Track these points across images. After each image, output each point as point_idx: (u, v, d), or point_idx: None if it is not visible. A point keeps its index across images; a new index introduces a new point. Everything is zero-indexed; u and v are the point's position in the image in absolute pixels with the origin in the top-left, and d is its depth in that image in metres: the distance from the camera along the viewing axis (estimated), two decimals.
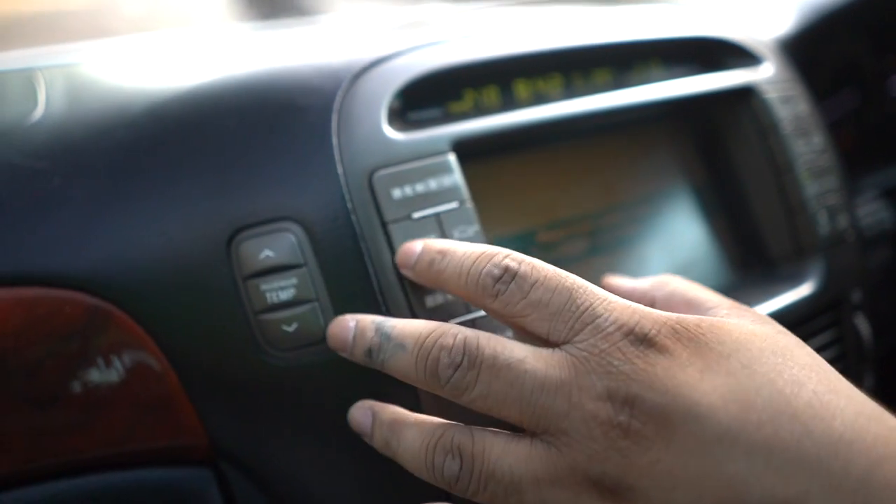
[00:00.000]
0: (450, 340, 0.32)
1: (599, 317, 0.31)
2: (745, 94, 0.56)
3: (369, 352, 0.35)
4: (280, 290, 0.40)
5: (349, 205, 0.40)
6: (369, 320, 0.36)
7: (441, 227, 0.41)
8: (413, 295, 0.39)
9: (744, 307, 0.36)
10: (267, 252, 0.40)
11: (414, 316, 0.39)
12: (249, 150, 0.42)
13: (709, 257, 0.57)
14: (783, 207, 0.56)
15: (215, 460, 0.44)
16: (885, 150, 1.00)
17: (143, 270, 0.42)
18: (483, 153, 0.50)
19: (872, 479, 0.27)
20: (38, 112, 0.49)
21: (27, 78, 0.54)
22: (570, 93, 0.53)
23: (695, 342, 0.30)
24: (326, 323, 0.39)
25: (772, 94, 0.56)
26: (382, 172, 0.41)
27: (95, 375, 0.42)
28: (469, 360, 0.31)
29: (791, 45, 0.77)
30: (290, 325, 0.40)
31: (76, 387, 0.41)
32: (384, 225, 0.40)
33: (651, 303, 0.40)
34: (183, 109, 0.45)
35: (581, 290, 0.32)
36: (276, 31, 0.68)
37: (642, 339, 0.30)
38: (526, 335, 0.33)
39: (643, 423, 0.29)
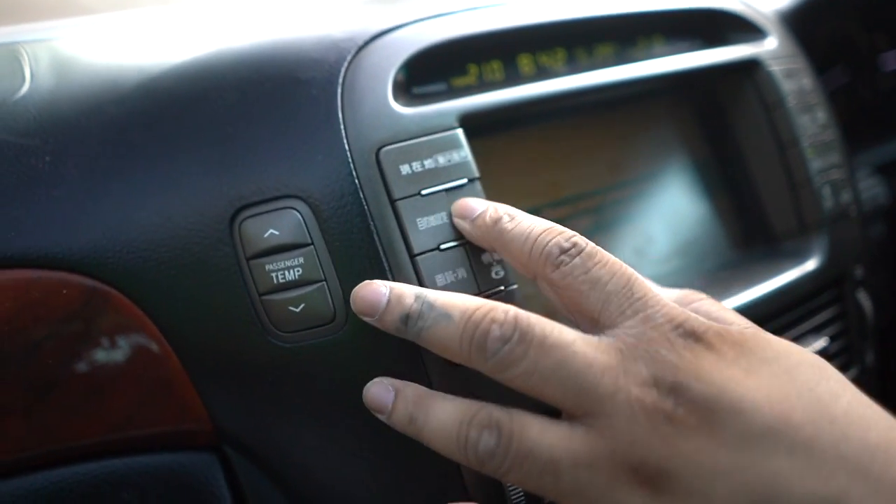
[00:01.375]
0: (501, 315, 0.32)
1: (652, 308, 0.31)
2: (749, 68, 0.56)
3: (406, 318, 0.34)
4: (286, 269, 0.38)
5: (356, 182, 0.38)
6: (406, 288, 0.35)
7: (450, 203, 0.40)
8: (425, 273, 0.38)
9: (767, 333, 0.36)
10: (272, 231, 0.39)
11: None
12: (250, 125, 0.40)
13: (712, 234, 0.56)
14: (787, 183, 0.55)
15: (220, 445, 0.43)
16: (876, 126, 1.01)
17: (142, 251, 0.40)
18: (488, 129, 0.49)
19: None
20: (25, 87, 0.47)
21: (11, 53, 0.52)
22: (573, 67, 0.52)
23: (739, 346, 0.31)
24: (335, 303, 0.38)
25: (776, 68, 0.56)
26: (390, 148, 0.39)
27: (94, 360, 0.40)
28: (520, 334, 0.31)
29: (789, 20, 0.76)
30: (297, 305, 0.38)
31: (75, 372, 0.40)
32: (392, 202, 0.39)
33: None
34: (178, 83, 0.43)
35: (639, 281, 0.33)
36: (274, 3, 0.66)
37: (691, 334, 0.31)
38: (576, 313, 0.33)
39: (688, 412, 0.29)
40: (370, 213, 0.38)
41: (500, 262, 0.40)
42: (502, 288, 0.40)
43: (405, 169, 0.39)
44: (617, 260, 0.33)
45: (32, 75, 0.48)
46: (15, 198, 0.40)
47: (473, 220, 0.37)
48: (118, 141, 0.42)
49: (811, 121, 0.56)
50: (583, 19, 0.52)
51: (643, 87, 0.55)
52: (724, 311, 0.38)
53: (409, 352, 0.38)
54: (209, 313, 0.40)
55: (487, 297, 0.40)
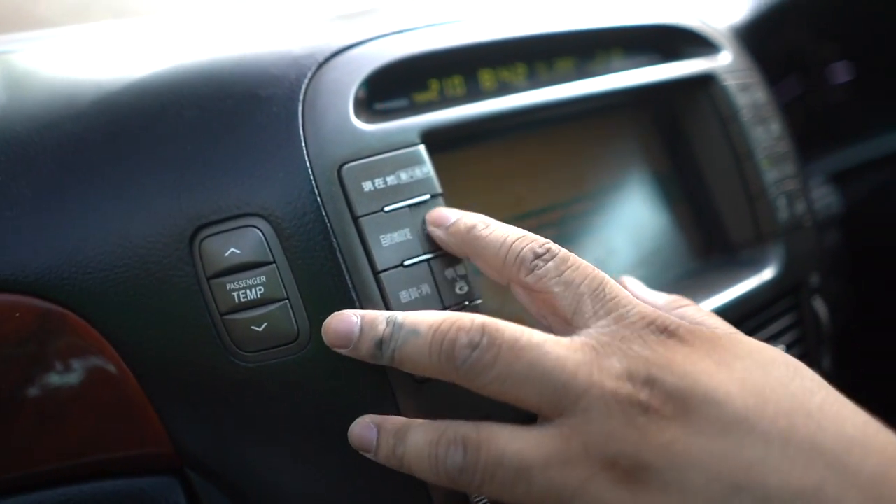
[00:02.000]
0: (467, 323, 0.32)
1: (624, 307, 0.32)
2: (704, 82, 0.57)
3: (380, 343, 0.34)
4: (248, 288, 0.38)
5: (318, 199, 0.38)
6: (377, 313, 0.35)
7: (413, 220, 0.40)
8: (389, 290, 0.38)
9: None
10: (233, 249, 0.38)
11: None
12: (210, 143, 0.40)
13: (673, 244, 0.57)
14: (744, 194, 0.56)
15: (181, 468, 0.42)
16: (828, 135, 1.04)
17: (99, 271, 0.39)
18: (450, 144, 0.49)
19: (887, 477, 0.27)
20: None
21: None
22: (533, 82, 0.53)
23: (711, 342, 0.32)
24: (298, 322, 0.38)
25: (731, 82, 0.57)
26: (352, 165, 0.39)
27: (50, 384, 0.39)
28: (489, 339, 0.31)
29: (743, 34, 0.78)
30: (259, 325, 0.38)
31: (30, 396, 0.39)
32: (355, 219, 0.38)
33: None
34: (137, 99, 0.43)
35: (611, 284, 0.34)
36: (233, 20, 0.65)
37: (663, 330, 0.31)
38: (549, 316, 0.34)
39: (662, 402, 0.29)
40: (333, 231, 0.38)
41: (463, 277, 0.40)
42: (466, 303, 0.40)
43: (367, 185, 0.39)
44: (589, 264, 0.34)
45: None
46: None
47: (447, 228, 0.38)
48: (74, 158, 0.41)
49: (765, 133, 0.57)
50: (542, 35, 0.52)
51: (603, 101, 0.55)
52: (710, 316, 0.39)
53: (373, 369, 0.38)
54: (169, 334, 0.39)
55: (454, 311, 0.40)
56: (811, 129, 1.06)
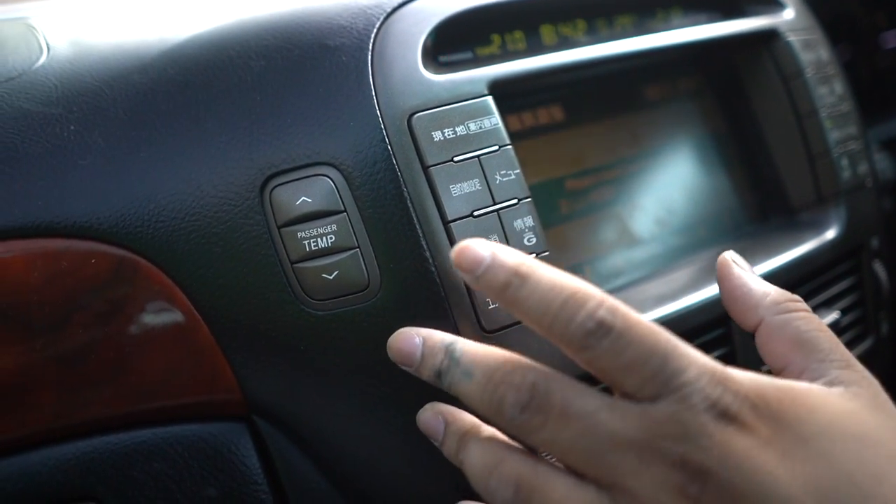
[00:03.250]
0: (518, 379, 0.30)
1: (689, 386, 0.29)
2: (767, 39, 0.56)
3: (438, 374, 0.33)
4: (319, 237, 0.38)
5: (389, 148, 0.38)
6: (437, 339, 0.34)
7: (483, 170, 0.40)
8: (459, 241, 0.38)
9: (854, 363, 0.33)
10: (304, 198, 0.38)
11: None
12: (279, 92, 0.40)
13: (731, 205, 0.57)
14: (805, 154, 0.55)
15: (249, 415, 0.42)
16: (877, 102, 1.01)
17: (171, 220, 0.40)
18: (514, 102, 0.48)
19: None
20: (43, 58, 0.46)
21: (24, 26, 0.51)
22: (593, 38, 0.52)
23: (776, 421, 0.29)
24: (369, 270, 0.38)
25: (794, 39, 0.56)
26: (422, 114, 0.39)
27: (123, 330, 0.40)
28: (538, 403, 0.29)
29: None
30: (330, 273, 0.38)
31: (104, 342, 0.40)
32: (425, 169, 0.38)
33: (757, 323, 0.35)
34: (203, 51, 0.43)
35: (675, 354, 0.29)
36: None
37: (724, 415, 0.29)
38: (608, 384, 0.31)
39: (713, 499, 0.27)
40: (403, 180, 0.38)
41: (531, 228, 0.40)
42: (535, 255, 0.40)
43: (437, 135, 0.39)
44: (650, 329, 0.29)
45: (49, 46, 0.47)
46: (41, 167, 0.40)
47: (479, 278, 0.32)
48: (144, 109, 0.42)
49: (829, 92, 0.56)
50: None
51: (662, 57, 0.55)
52: (813, 331, 0.34)
53: (442, 319, 0.38)
54: (240, 282, 0.40)
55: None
56: (860, 95, 1.04)
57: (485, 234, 0.39)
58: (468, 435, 0.34)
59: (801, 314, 0.35)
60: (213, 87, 0.41)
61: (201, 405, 0.42)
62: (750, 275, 0.37)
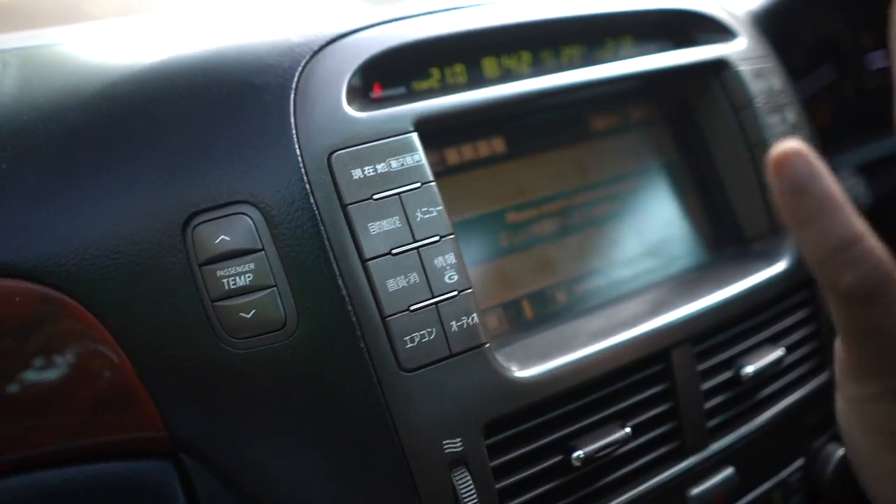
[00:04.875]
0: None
1: None
2: (717, 68, 0.55)
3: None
4: (237, 275, 0.38)
5: (307, 186, 0.38)
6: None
7: (404, 208, 0.40)
8: (376, 278, 0.38)
9: None
10: (223, 237, 0.39)
11: (377, 301, 0.38)
12: (204, 132, 0.40)
13: (682, 235, 0.56)
14: (757, 184, 0.55)
15: (176, 452, 0.42)
16: (860, 125, 1.00)
17: (96, 257, 0.40)
18: (450, 133, 0.48)
19: None
20: None
21: None
22: (539, 70, 0.52)
23: None
24: (286, 309, 0.38)
25: (745, 68, 0.55)
26: (342, 152, 0.39)
27: (48, 367, 0.40)
28: None
29: (766, 20, 0.76)
30: (248, 311, 0.38)
31: (28, 380, 0.40)
32: (344, 207, 0.38)
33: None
34: (136, 89, 0.43)
35: None
36: (235, 8, 0.66)
37: None
38: None
39: None
40: (321, 218, 0.38)
41: (453, 266, 0.40)
42: (456, 292, 0.40)
43: (357, 173, 0.39)
44: None
45: None
46: None
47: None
48: (75, 147, 0.42)
49: (781, 121, 0.55)
50: (548, 21, 0.51)
51: (610, 88, 0.54)
52: None
53: (359, 358, 0.38)
54: (163, 320, 0.40)
55: (442, 302, 0.39)
56: (844, 118, 1.03)
57: (404, 272, 0.39)
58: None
59: None
60: (141, 125, 0.42)
61: (128, 443, 0.42)
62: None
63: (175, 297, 0.39)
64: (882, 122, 1.02)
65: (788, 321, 0.55)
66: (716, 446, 0.49)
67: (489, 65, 0.50)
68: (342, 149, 0.39)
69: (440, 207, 0.40)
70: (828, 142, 0.96)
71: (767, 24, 0.72)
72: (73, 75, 0.48)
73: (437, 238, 0.40)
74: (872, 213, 0.80)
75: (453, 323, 0.39)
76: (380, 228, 0.39)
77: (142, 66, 0.45)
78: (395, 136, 0.41)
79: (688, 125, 0.57)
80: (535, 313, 0.48)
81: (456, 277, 0.40)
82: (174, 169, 0.40)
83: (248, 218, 0.39)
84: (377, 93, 0.45)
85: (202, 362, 0.39)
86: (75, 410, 0.41)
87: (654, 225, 0.55)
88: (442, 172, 0.47)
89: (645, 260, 0.54)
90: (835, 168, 0.86)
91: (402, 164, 0.40)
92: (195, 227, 0.39)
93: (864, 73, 1.06)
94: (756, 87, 0.55)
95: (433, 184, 0.41)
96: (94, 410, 0.41)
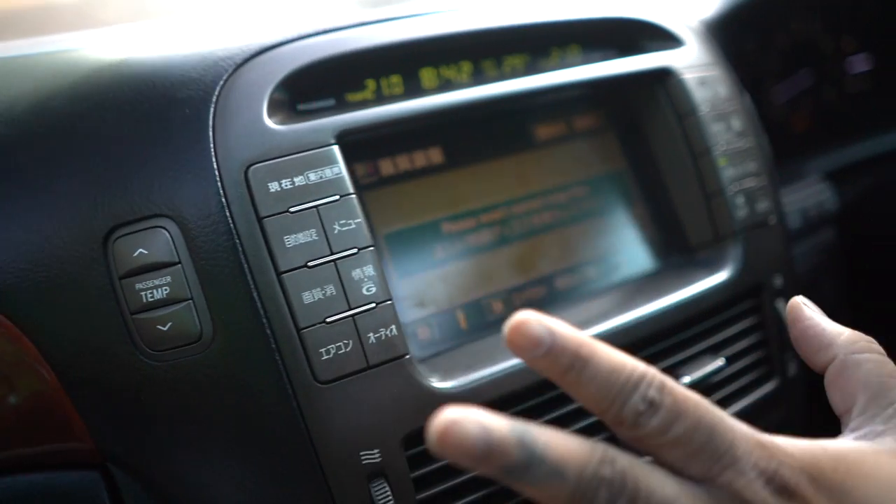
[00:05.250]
0: (608, 471, 0.28)
1: (740, 460, 0.29)
2: (661, 77, 0.55)
3: (509, 471, 0.27)
4: (155, 288, 0.39)
5: (223, 200, 0.39)
6: (506, 430, 0.27)
7: (321, 220, 0.40)
8: (291, 291, 0.38)
9: None
10: (141, 250, 0.39)
11: (292, 313, 0.38)
12: (128, 145, 0.41)
13: (628, 244, 0.56)
14: (701, 193, 0.55)
15: (104, 463, 0.43)
16: (839, 129, 1.00)
17: (19, 270, 0.40)
18: (386, 144, 0.49)
19: None
20: None
21: None
22: (480, 80, 0.52)
23: (832, 491, 0.30)
24: (202, 322, 0.38)
25: (689, 77, 0.55)
26: (259, 166, 0.39)
27: None
28: (629, 495, 0.28)
29: (723, 28, 0.76)
30: (164, 324, 0.39)
31: None
32: (260, 220, 0.39)
33: (829, 361, 0.36)
34: (66, 104, 0.44)
35: (722, 429, 0.29)
36: (169, 21, 0.66)
37: (782, 490, 0.29)
38: (661, 464, 0.31)
39: None
40: (237, 232, 0.38)
41: (371, 277, 0.40)
42: (374, 304, 0.40)
43: (274, 186, 0.39)
44: (697, 405, 0.29)
45: None
46: None
47: (542, 357, 0.29)
48: (4, 163, 0.43)
49: (725, 129, 0.55)
50: (490, 30, 0.52)
51: (553, 97, 0.54)
52: (889, 376, 0.34)
53: (274, 371, 0.38)
54: (84, 332, 0.40)
55: (359, 314, 0.40)
56: (821, 122, 1.02)
57: (320, 285, 0.39)
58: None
59: (875, 357, 0.35)
60: (68, 139, 0.42)
61: (55, 454, 0.42)
62: (822, 316, 0.37)
63: (97, 309, 0.40)
64: (863, 127, 1.01)
65: (733, 330, 0.54)
66: None
67: (427, 76, 0.51)
68: (260, 162, 0.39)
69: (359, 220, 0.41)
70: (807, 147, 0.96)
71: (726, 32, 0.72)
72: (15, 88, 0.49)
73: (354, 250, 0.40)
74: (841, 219, 0.80)
75: (371, 335, 0.40)
76: (296, 241, 0.39)
77: (76, 78, 0.46)
78: (314, 148, 0.41)
79: (635, 133, 0.57)
80: (470, 324, 0.48)
81: (374, 289, 0.40)
82: (98, 183, 0.40)
83: (165, 231, 0.39)
84: (306, 105, 0.45)
85: (124, 374, 0.40)
86: (1, 420, 0.41)
87: (599, 233, 0.55)
88: (375, 184, 0.48)
89: (588, 269, 0.54)
90: (804, 174, 0.85)
91: (321, 177, 0.40)
92: (116, 240, 0.39)
93: (845, 78, 1.06)
94: (700, 95, 0.55)
95: (353, 196, 0.41)
96: (20, 422, 0.41)
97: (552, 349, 0.29)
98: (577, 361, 0.29)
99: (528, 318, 0.29)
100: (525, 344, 0.29)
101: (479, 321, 0.49)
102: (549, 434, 0.29)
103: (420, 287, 0.47)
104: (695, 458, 0.29)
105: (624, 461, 0.29)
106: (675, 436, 0.29)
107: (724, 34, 0.67)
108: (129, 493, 0.42)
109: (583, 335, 0.30)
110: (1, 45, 0.66)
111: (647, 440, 0.30)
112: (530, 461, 0.27)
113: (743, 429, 0.30)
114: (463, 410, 0.27)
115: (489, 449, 0.27)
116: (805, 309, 0.37)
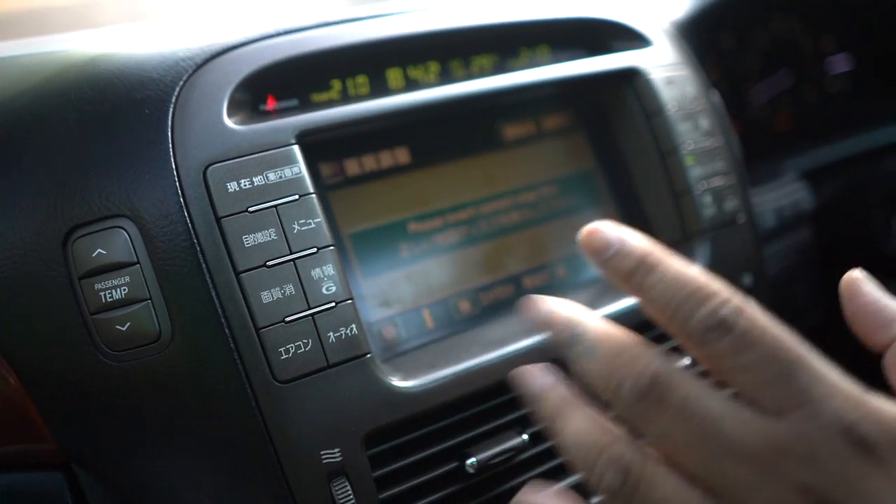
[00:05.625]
0: (640, 367, 0.28)
1: (816, 402, 0.27)
2: (629, 77, 0.55)
3: (564, 345, 0.32)
4: (113, 289, 0.39)
5: (182, 200, 0.39)
6: (563, 315, 0.32)
7: (280, 220, 0.40)
8: (250, 290, 0.38)
9: None
10: (100, 250, 0.39)
11: (251, 313, 0.38)
12: (88, 146, 0.41)
13: None
14: (669, 191, 0.55)
15: (69, 464, 0.43)
16: (821, 130, 1.00)
17: None
18: (351, 144, 0.49)
19: None
20: None
21: None
22: (447, 81, 0.52)
23: None
24: (160, 322, 0.38)
25: (656, 76, 0.55)
26: (218, 166, 0.39)
27: None
28: (657, 394, 0.28)
29: (706, 26, 0.76)
30: (123, 324, 0.39)
31: None
32: (218, 220, 0.39)
33: (889, 341, 0.34)
34: (29, 104, 0.44)
35: (802, 365, 0.27)
36: (150, 22, 0.66)
37: (860, 443, 0.26)
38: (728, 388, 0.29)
39: None
40: (195, 231, 0.38)
41: (331, 277, 0.40)
42: (333, 303, 0.40)
43: (233, 186, 0.39)
44: (775, 336, 0.28)
45: None
46: None
47: (606, 263, 0.31)
48: None
49: (693, 128, 0.56)
50: (457, 30, 0.52)
51: (521, 97, 0.55)
52: None
53: (234, 372, 0.38)
54: (44, 332, 0.40)
55: (319, 313, 0.40)
56: (803, 123, 1.03)
57: (279, 284, 0.39)
58: (571, 405, 0.32)
59: None
60: (30, 139, 0.42)
61: (18, 454, 0.42)
62: (881, 293, 0.35)
63: (56, 310, 0.40)
64: (843, 127, 1.02)
65: None
66: None
67: (394, 76, 0.51)
68: (219, 162, 0.40)
69: (318, 219, 0.41)
70: (787, 146, 0.96)
71: (700, 31, 0.72)
72: None
73: (314, 250, 0.40)
74: (817, 218, 0.80)
75: (331, 334, 0.40)
76: (254, 241, 0.39)
77: (41, 79, 0.46)
78: (274, 148, 0.41)
79: (603, 133, 0.58)
80: (436, 323, 0.49)
81: (334, 289, 0.40)
82: (58, 183, 0.40)
83: (124, 231, 0.39)
84: (270, 105, 0.45)
85: (84, 375, 0.40)
86: None
87: (568, 233, 0.55)
88: (341, 184, 0.48)
89: (556, 267, 0.54)
90: (781, 173, 0.86)
91: (281, 177, 0.40)
92: (75, 240, 0.39)
93: (826, 78, 1.06)
94: (668, 95, 0.55)
95: (312, 196, 0.41)
96: None
97: (620, 252, 0.30)
98: (643, 266, 0.30)
99: (601, 225, 0.31)
100: (596, 245, 0.31)
101: (446, 320, 0.49)
102: (597, 322, 0.31)
103: (385, 287, 0.47)
104: (765, 390, 0.27)
105: (662, 365, 0.28)
106: (744, 363, 0.27)
107: (698, 34, 0.67)
108: (93, 494, 0.42)
109: (656, 246, 0.31)
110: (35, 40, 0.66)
111: (716, 361, 0.28)
112: (575, 338, 0.31)
113: (830, 373, 0.27)
114: (539, 300, 0.33)
115: (550, 321, 0.32)
116: (863, 284, 0.35)
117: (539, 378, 0.33)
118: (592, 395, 0.31)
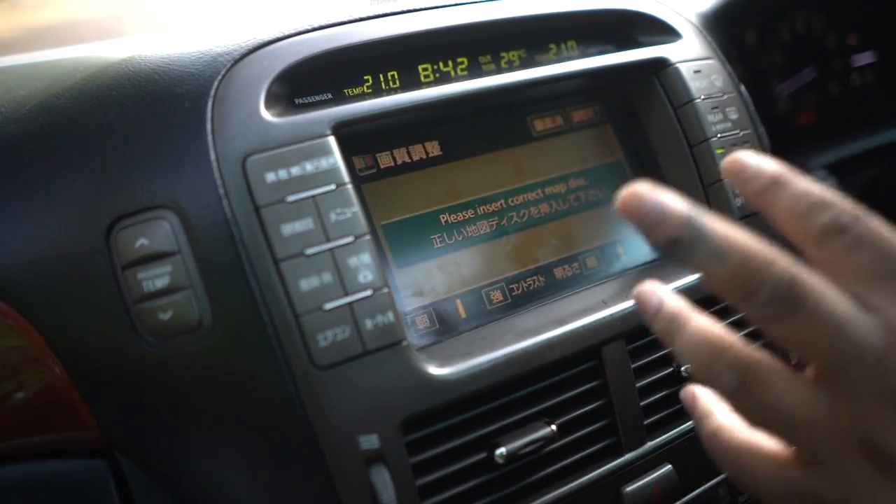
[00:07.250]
0: (778, 273, 0.30)
1: None
2: (657, 68, 0.56)
3: (675, 241, 0.31)
4: (155, 278, 0.40)
5: (221, 190, 0.39)
6: (678, 208, 0.32)
7: (318, 209, 0.40)
8: (288, 278, 0.39)
9: None
10: (142, 241, 0.40)
11: (289, 300, 0.39)
12: (128, 140, 0.42)
13: (628, 233, 0.56)
14: (698, 182, 0.55)
15: (111, 451, 0.44)
16: (845, 123, 1.00)
17: (26, 262, 0.42)
18: (383, 137, 0.49)
19: None
20: None
21: None
22: (477, 75, 0.53)
23: None
24: (202, 310, 0.39)
25: (684, 67, 0.56)
26: (257, 157, 0.40)
27: None
28: (793, 297, 0.29)
29: (730, 20, 0.76)
30: (165, 313, 0.39)
31: None
32: (257, 209, 0.39)
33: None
34: (70, 101, 0.45)
35: None
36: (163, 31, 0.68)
37: None
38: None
39: None
40: (234, 221, 0.39)
41: (368, 265, 0.41)
42: (371, 291, 0.41)
43: (271, 176, 0.40)
44: (889, 240, 0.30)
45: None
46: None
47: (746, 181, 0.34)
48: (10, 159, 0.44)
49: (722, 119, 0.56)
50: (486, 23, 0.52)
51: (550, 89, 0.55)
52: None
53: (272, 357, 0.39)
54: (89, 321, 0.41)
55: (356, 301, 0.40)
56: (831, 116, 1.02)
57: (317, 272, 0.40)
58: (683, 317, 0.34)
59: None
60: (73, 135, 0.43)
61: (62, 442, 0.43)
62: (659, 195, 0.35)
63: (100, 300, 0.41)
64: (867, 121, 1.01)
65: (735, 316, 0.54)
66: (652, 443, 0.49)
67: (424, 71, 0.51)
68: (257, 153, 0.40)
69: (355, 209, 0.41)
70: (811, 141, 0.96)
71: (725, 25, 0.72)
72: (24, 89, 0.50)
73: (351, 238, 0.41)
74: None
75: (368, 321, 0.40)
76: (293, 230, 0.40)
77: (81, 78, 0.47)
78: (311, 139, 0.42)
79: (632, 125, 0.58)
80: (469, 313, 0.49)
81: (371, 277, 0.41)
82: (101, 176, 0.41)
83: (166, 222, 0.40)
84: (304, 99, 0.46)
85: (128, 364, 0.41)
86: (9, 410, 0.42)
87: (597, 223, 0.55)
88: (374, 176, 0.48)
89: (586, 258, 0.54)
90: (808, 168, 0.85)
91: (318, 167, 0.41)
92: (118, 231, 0.40)
93: (849, 72, 1.05)
94: (695, 86, 0.55)
95: (348, 186, 0.42)
96: (28, 410, 0.42)
97: (756, 172, 0.33)
98: (774, 183, 0.33)
99: (742, 154, 0.34)
100: (734, 170, 0.34)
101: (479, 310, 0.49)
102: (718, 222, 0.32)
103: (418, 277, 0.48)
104: (871, 288, 0.30)
105: (797, 272, 0.30)
106: (855, 262, 0.30)
107: (722, 29, 0.67)
108: (136, 481, 0.43)
109: (785, 169, 0.33)
110: (22, 55, 0.68)
111: (831, 264, 0.30)
112: (695, 237, 0.31)
113: None
114: (645, 188, 0.33)
115: (662, 217, 0.31)
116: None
117: (654, 292, 0.35)
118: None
